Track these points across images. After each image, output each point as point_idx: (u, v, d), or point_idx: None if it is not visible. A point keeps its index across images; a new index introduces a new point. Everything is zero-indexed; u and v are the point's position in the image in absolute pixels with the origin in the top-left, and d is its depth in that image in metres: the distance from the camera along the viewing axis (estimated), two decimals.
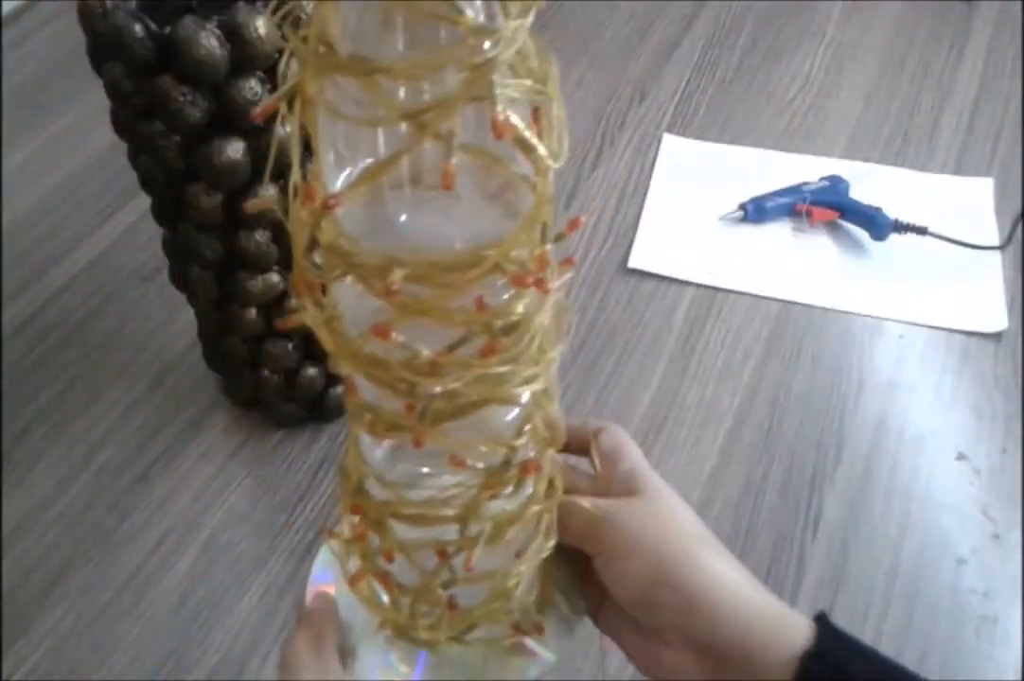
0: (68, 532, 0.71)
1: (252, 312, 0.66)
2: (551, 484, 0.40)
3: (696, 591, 0.37)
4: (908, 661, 0.62)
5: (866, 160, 0.95)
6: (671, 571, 0.38)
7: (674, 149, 0.97)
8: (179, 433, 0.76)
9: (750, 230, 0.89)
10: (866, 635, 0.64)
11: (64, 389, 0.80)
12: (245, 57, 0.55)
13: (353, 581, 0.41)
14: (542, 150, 0.30)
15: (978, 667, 0.63)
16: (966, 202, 0.90)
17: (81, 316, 0.85)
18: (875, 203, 0.87)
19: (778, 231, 0.89)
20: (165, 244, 0.68)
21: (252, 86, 0.55)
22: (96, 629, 0.66)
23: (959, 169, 0.93)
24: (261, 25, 0.54)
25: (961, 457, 0.73)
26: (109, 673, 0.64)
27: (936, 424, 0.75)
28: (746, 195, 0.90)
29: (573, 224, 0.34)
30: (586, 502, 0.40)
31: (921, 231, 0.85)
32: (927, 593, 0.66)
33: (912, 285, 0.84)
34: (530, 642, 0.42)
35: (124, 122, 0.59)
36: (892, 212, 0.86)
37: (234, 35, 0.54)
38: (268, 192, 0.59)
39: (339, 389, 0.69)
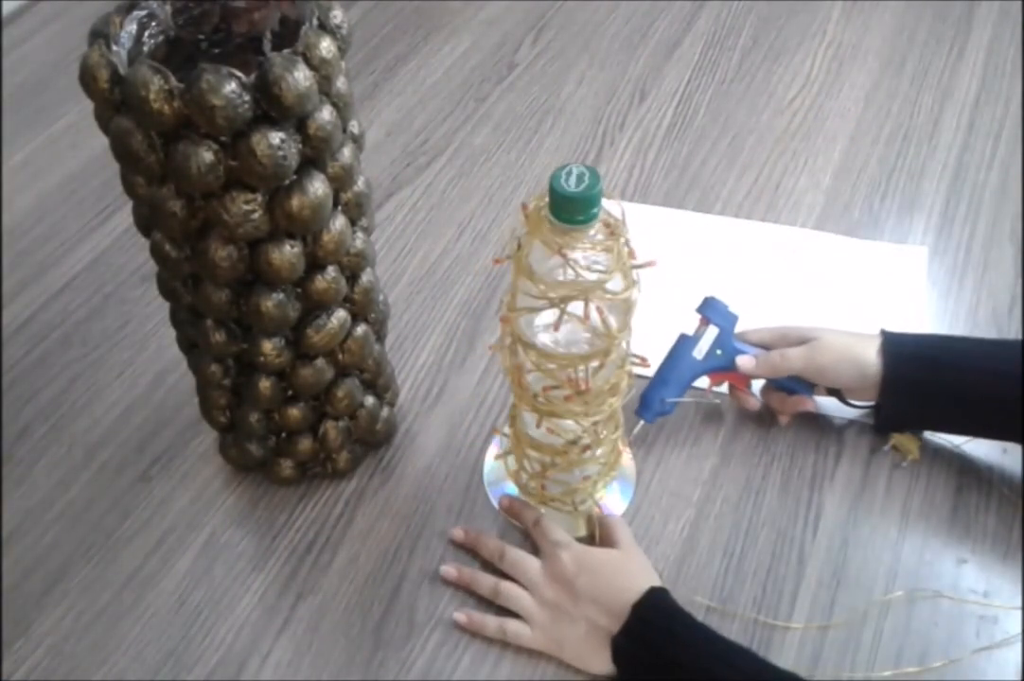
0: (68, 532, 0.71)
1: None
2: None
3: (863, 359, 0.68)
4: (908, 661, 0.63)
5: (866, 160, 0.95)
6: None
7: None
8: (179, 433, 0.76)
9: None
10: (866, 635, 0.64)
11: (64, 389, 0.80)
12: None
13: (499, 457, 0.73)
14: (612, 330, 0.57)
15: (978, 667, 0.63)
16: (900, 272, 0.84)
17: (81, 316, 0.85)
18: (813, 271, 0.84)
19: None
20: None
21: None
22: (96, 629, 0.66)
23: (959, 169, 0.93)
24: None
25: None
26: (109, 673, 0.64)
27: None
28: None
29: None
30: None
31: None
32: (927, 593, 0.66)
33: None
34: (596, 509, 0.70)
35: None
36: (828, 280, 0.83)
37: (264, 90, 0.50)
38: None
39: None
